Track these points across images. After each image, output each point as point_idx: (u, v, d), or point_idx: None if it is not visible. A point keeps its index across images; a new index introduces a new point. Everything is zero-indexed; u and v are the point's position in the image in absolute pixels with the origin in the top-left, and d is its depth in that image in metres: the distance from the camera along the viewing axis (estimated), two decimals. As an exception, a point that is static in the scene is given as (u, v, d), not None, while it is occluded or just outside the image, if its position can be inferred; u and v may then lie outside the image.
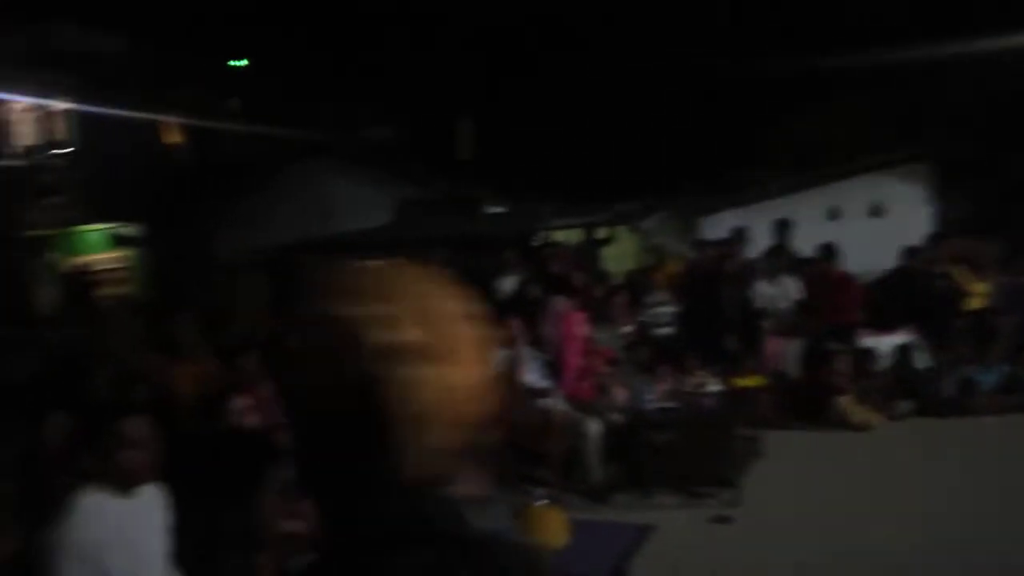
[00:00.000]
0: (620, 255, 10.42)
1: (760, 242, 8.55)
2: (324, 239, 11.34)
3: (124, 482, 2.22)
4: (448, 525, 0.81)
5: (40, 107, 14.91)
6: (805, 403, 7.09)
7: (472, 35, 18.18)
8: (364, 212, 12.00)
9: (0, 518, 2.07)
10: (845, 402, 6.82)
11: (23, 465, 3.25)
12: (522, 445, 5.66)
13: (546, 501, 3.84)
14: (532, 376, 5.81)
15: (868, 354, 7.32)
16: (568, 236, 10.82)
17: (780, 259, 8.11)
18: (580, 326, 6.13)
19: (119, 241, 14.83)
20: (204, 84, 14.49)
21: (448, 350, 0.84)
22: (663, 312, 7.94)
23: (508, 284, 8.50)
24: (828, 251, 7.74)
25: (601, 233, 10.42)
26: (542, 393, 5.65)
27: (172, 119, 15.92)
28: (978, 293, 7.66)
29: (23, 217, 13.59)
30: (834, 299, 7.50)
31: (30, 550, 2.07)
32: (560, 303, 6.62)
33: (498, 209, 12.69)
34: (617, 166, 13.36)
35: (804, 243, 8.45)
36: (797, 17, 15.04)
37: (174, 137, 16.26)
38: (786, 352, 7.75)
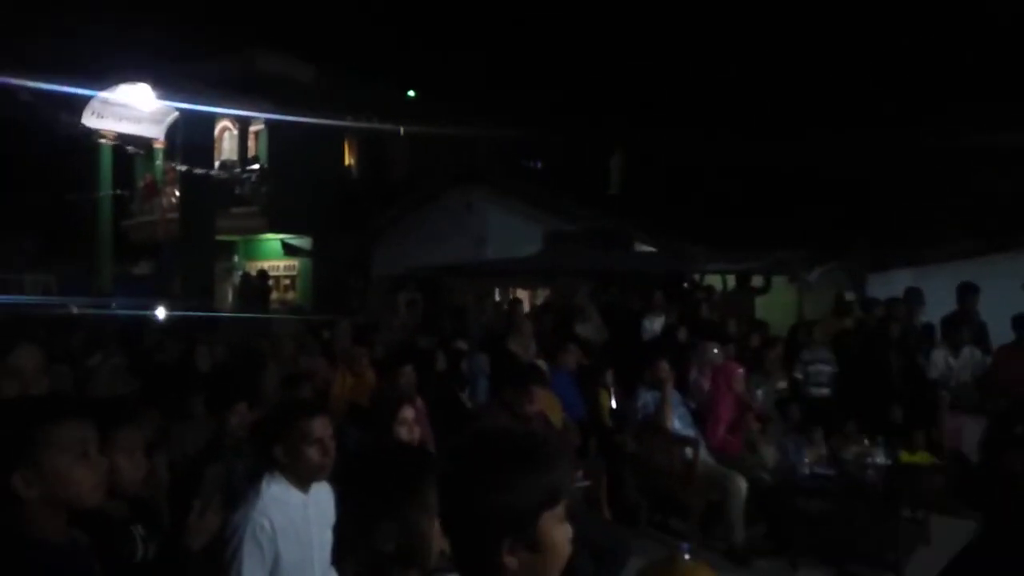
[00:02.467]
0: (776, 306, 9.89)
1: (939, 307, 7.79)
2: (475, 264, 11.71)
3: (306, 476, 2.38)
4: None
5: (239, 126, 16.68)
6: (983, 490, 6.32)
7: (635, 69, 18.26)
8: (514, 241, 12.28)
9: (212, 496, 2.29)
10: (1033, 495, 6.01)
11: (211, 449, 3.56)
12: (663, 492, 5.47)
13: (688, 557, 3.67)
14: (678, 423, 5.61)
15: (1065, 444, 6.42)
16: (721, 281, 10.45)
17: (963, 327, 7.36)
18: (736, 380, 5.86)
19: (291, 250, 16.16)
20: (376, 112, 15.58)
21: None
22: (821, 371, 7.44)
23: (655, 325, 8.33)
24: (1019, 319, 6.91)
25: (757, 281, 9.97)
26: (687, 441, 5.43)
27: (346, 142, 17.25)
28: None
29: (216, 223, 15.16)
30: (1025, 376, 6.67)
31: (221, 529, 2.25)
32: (715, 351, 6.39)
33: (649, 248, 12.53)
34: (781, 213, 12.79)
35: (991, 312, 7.61)
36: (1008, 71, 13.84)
37: (347, 159, 17.59)
38: (963, 431, 6.98)
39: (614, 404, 6.46)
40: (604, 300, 9.07)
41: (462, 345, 7.04)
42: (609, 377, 6.53)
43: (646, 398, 5.73)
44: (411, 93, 17.89)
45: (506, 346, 7.01)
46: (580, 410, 6.17)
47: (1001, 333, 7.20)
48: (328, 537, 2.45)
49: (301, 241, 16.19)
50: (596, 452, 5.78)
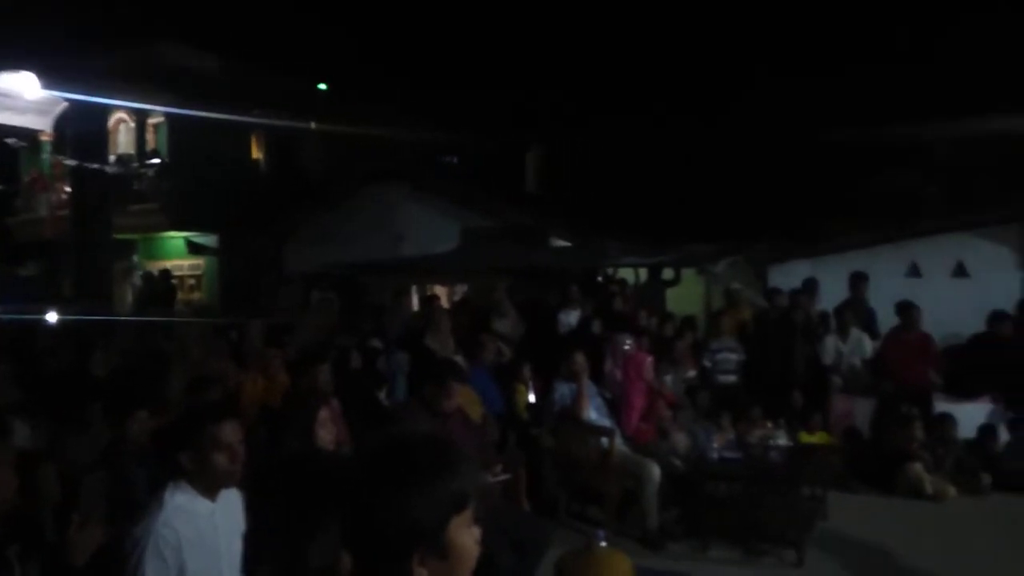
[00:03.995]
0: (686, 298, 10.26)
1: (832, 295, 8.29)
2: (392, 261, 11.57)
3: (214, 484, 2.29)
4: None
5: (136, 119, 15.82)
6: (875, 467, 6.79)
7: (549, 67, 18.48)
8: (432, 238, 12.21)
9: (92, 507, 2.15)
10: (918, 470, 6.49)
11: (107, 458, 3.37)
12: (580, 483, 5.59)
13: (604, 544, 3.77)
14: (594, 413, 5.74)
15: (945, 421, 6.97)
16: (633, 274, 10.74)
17: (854, 314, 7.85)
18: (647, 369, 6.05)
19: (196, 249, 15.46)
20: (286, 105, 15.11)
21: None
22: (728, 359, 7.78)
23: (571, 318, 8.48)
24: (908, 310, 7.44)
25: (668, 274, 10.30)
26: (602, 431, 5.57)
27: (254, 136, 16.65)
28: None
29: (112, 220, 14.32)
30: (911, 360, 7.19)
31: (117, 542, 2.14)
32: (627, 342, 6.56)
33: (564, 243, 12.71)
34: (689, 207, 13.26)
35: (880, 299, 8.16)
36: (892, 80, 14.80)
37: (255, 154, 16.97)
38: (855, 412, 7.47)
39: (532, 398, 6.54)
40: (521, 296, 9.16)
41: (377, 343, 6.96)
42: (526, 371, 6.60)
43: (562, 390, 5.83)
44: (322, 87, 17.44)
45: (424, 343, 6.98)
46: (499, 405, 6.23)
47: (890, 319, 7.76)
48: (238, 546, 2.38)
49: (207, 239, 15.51)
50: (515, 446, 5.84)
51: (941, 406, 7.18)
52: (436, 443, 1.26)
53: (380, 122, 14.87)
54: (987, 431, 7.00)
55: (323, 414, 3.78)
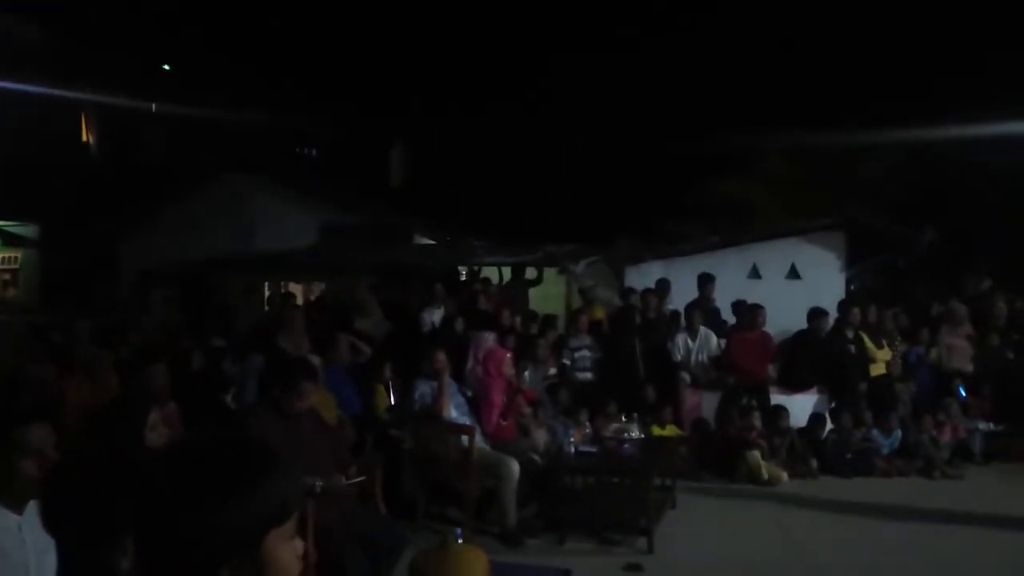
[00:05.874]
0: (548, 297, 10.45)
1: (684, 295, 8.74)
2: (243, 257, 10.90)
3: (21, 494, 2.00)
4: None
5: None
6: (719, 456, 7.21)
7: (416, 64, 18.25)
8: (287, 233, 11.65)
9: None
10: (756, 457, 6.96)
11: None
12: (439, 482, 5.49)
13: (461, 541, 3.70)
14: (454, 412, 5.66)
15: (779, 412, 7.53)
16: (497, 273, 10.80)
17: (702, 313, 8.31)
18: (506, 365, 6.05)
19: (11, 240, 13.82)
20: (124, 85, 13.82)
21: None
22: (585, 356, 7.98)
23: (434, 317, 8.37)
24: (750, 310, 7.98)
25: (530, 273, 10.45)
26: (462, 430, 5.50)
27: (84, 116, 15.09)
28: (881, 360, 8.04)
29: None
30: (752, 356, 7.72)
31: None
32: (487, 340, 6.54)
33: (428, 241, 12.58)
34: (551, 208, 13.58)
35: (726, 299, 8.71)
36: (734, 90, 15.93)
37: (84, 136, 15.40)
38: (703, 405, 7.90)
39: (393, 399, 6.37)
40: (384, 294, 8.93)
41: (219, 343, 6.49)
42: (387, 372, 6.42)
43: (423, 389, 5.72)
44: (167, 67, 16.14)
45: (276, 343, 6.60)
46: (356, 406, 6.00)
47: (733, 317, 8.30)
48: (51, 561, 2.08)
49: (24, 229, 13.90)
50: (372, 447, 5.65)
51: (777, 398, 7.76)
52: (253, 447, 1.11)
53: (233, 108, 13.99)
54: (816, 419, 7.64)
55: (154, 416, 3.45)
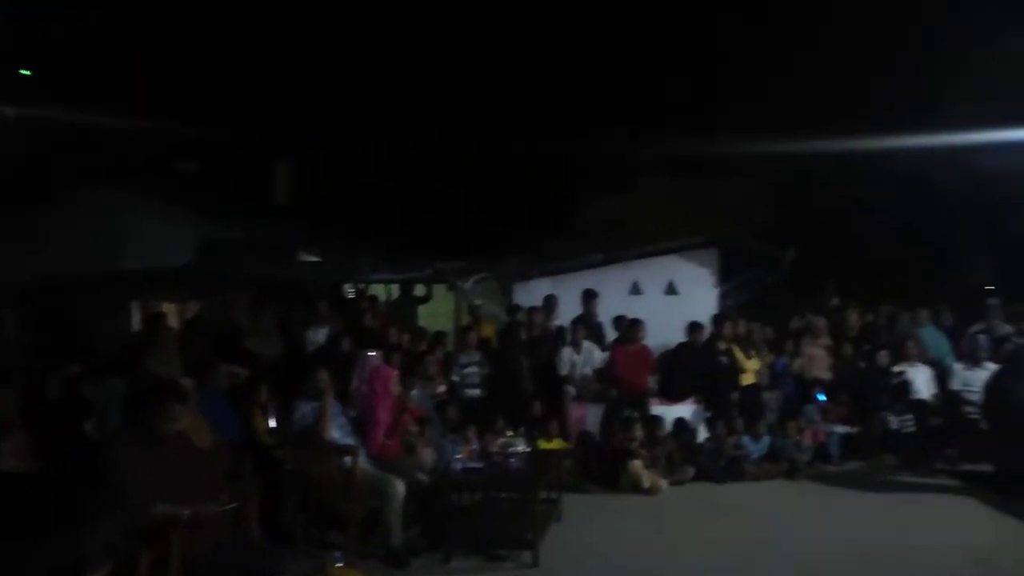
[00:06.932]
0: (437, 314, 10.42)
1: (570, 311, 8.96)
2: (107, 274, 10.13)
3: None
4: None
5: None
6: (603, 467, 7.41)
7: (304, 78, 17.81)
8: (160, 249, 11.00)
9: None
10: (637, 467, 7.21)
11: None
12: (321, 505, 5.32)
13: (340, 565, 3.61)
14: (337, 432, 5.52)
15: (658, 422, 7.85)
16: (385, 291, 10.65)
17: (586, 328, 8.55)
18: (392, 383, 5.98)
19: None
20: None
21: None
22: (474, 373, 8.01)
23: (319, 336, 8.16)
24: (631, 325, 8.30)
25: (420, 290, 10.39)
26: (345, 450, 5.37)
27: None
28: (750, 370, 8.56)
29: None
30: (633, 369, 8.02)
31: None
32: (372, 358, 6.44)
33: (313, 258, 12.26)
34: (439, 225, 13.58)
35: (608, 314, 9.01)
36: (615, 107, 16.57)
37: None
38: (588, 417, 8.10)
39: (272, 421, 6.13)
40: (267, 313, 8.60)
41: (76, 368, 6.04)
42: (263, 394, 6.17)
43: (303, 410, 5.55)
44: (25, 72, 14.90)
45: (144, 364, 6.22)
46: (234, 430, 5.74)
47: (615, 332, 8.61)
48: None
49: None
50: (250, 472, 5.40)
51: (657, 408, 8.09)
52: (53, 496, 1.04)
53: (105, 117, 13.07)
54: (680, 424, 8.02)
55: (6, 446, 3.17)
